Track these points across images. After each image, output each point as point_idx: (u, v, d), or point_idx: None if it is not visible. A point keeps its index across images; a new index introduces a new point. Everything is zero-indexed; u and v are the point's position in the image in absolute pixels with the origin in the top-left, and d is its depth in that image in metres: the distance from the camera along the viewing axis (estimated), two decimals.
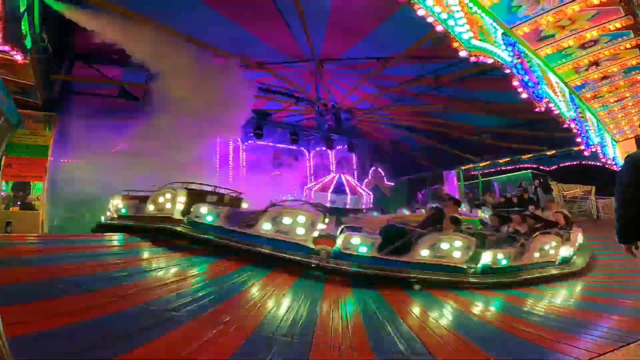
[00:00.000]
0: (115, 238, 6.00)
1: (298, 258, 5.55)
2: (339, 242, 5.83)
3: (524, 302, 5.41)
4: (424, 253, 5.90)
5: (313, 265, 5.51)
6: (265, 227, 5.84)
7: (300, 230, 5.79)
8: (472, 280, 6.04)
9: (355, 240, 5.82)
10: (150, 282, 3.86)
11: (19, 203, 8.93)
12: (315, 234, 5.90)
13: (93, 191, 11.28)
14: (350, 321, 3.58)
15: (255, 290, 4.26)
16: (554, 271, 7.15)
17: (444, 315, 4.41)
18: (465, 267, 6.13)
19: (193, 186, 7.22)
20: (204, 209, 6.18)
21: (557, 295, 6.17)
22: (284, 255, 5.56)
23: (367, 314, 3.96)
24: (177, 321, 2.74)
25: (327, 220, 6.40)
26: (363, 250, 5.75)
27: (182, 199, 6.59)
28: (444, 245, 5.97)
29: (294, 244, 5.72)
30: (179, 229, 6.05)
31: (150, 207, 6.77)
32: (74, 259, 4.27)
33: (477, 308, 4.91)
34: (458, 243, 6.01)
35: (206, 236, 5.87)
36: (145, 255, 5.27)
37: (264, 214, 5.94)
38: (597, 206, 15.12)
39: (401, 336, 3.18)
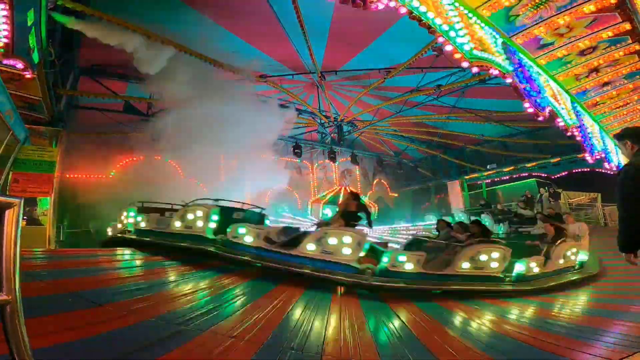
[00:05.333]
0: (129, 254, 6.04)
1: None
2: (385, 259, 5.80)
3: (535, 311, 5.38)
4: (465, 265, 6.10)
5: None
6: (310, 247, 5.77)
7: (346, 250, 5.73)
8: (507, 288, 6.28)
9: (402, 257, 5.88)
10: (162, 296, 3.87)
11: (25, 218, 8.96)
12: (361, 253, 5.83)
13: (100, 206, 11.41)
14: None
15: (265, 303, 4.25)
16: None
17: (456, 326, 4.38)
18: (502, 276, 6.35)
19: (221, 203, 7.06)
20: (242, 230, 6.08)
21: (567, 302, 6.11)
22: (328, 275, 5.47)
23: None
24: (186, 335, 2.73)
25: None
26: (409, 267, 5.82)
27: (215, 217, 6.39)
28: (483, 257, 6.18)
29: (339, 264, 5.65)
30: (211, 249, 5.95)
31: (177, 224, 6.51)
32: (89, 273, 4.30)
33: (492, 318, 4.86)
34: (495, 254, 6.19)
35: (244, 257, 5.77)
36: (157, 269, 5.29)
37: (308, 235, 5.95)
38: (604, 213, 15.02)
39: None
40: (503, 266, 6.42)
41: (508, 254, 6.45)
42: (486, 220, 14.28)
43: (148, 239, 6.55)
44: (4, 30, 4.58)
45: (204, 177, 13.17)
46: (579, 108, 8.38)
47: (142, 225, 6.90)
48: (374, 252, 6.16)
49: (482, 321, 4.65)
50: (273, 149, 15.17)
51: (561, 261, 7.31)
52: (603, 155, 10.20)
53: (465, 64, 6.12)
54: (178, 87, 10.37)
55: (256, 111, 12.90)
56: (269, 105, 13.66)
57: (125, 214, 7.30)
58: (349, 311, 4.31)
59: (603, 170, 14.38)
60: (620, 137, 3.19)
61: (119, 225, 7.46)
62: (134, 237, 6.76)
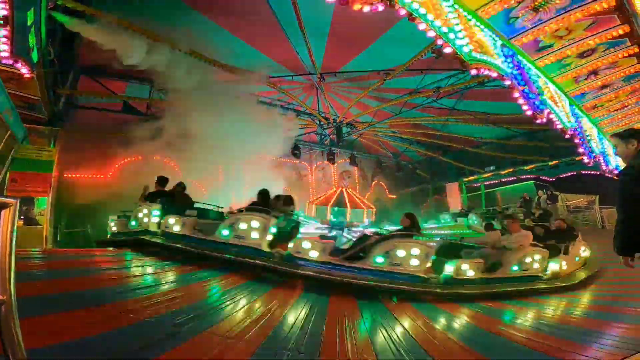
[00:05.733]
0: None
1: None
2: None
3: (531, 313, 5.38)
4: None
5: None
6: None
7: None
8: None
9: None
10: (160, 296, 3.85)
11: (22, 218, 8.92)
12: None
13: (97, 206, 11.40)
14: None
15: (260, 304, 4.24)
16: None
17: (450, 327, 4.38)
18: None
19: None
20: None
21: (565, 305, 6.11)
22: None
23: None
24: (183, 336, 2.72)
25: None
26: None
27: (273, 230, 6.08)
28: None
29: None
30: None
31: (225, 232, 6.10)
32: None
33: (483, 320, 4.87)
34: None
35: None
36: (150, 269, 5.26)
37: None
38: (602, 215, 15.05)
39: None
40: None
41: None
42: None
43: (180, 246, 5.98)
44: (3, 29, 4.58)
45: (203, 178, 13.17)
46: (577, 110, 8.40)
47: (176, 229, 6.38)
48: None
49: (480, 322, 4.65)
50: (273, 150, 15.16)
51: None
52: (601, 158, 10.23)
53: (464, 66, 6.14)
54: (179, 89, 10.35)
55: (258, 119, 12.96)
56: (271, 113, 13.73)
57: (145, 211, 6.86)
58: (347, 313, 4.30)
59: (601, 173, 14.46)
60: (624, 135, 3.14)
61: (133, 223, 6.98)
62: (159, 240, 6.24)
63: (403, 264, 5.72)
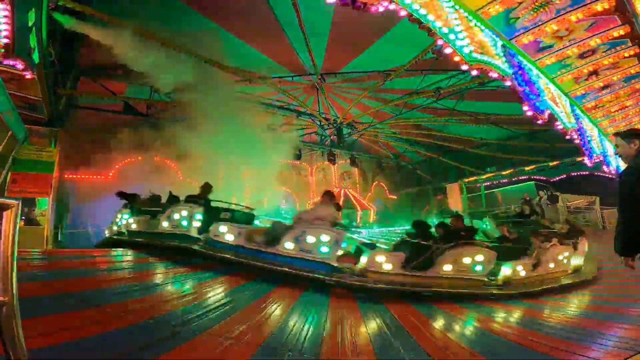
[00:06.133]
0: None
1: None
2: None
3: (533, 314, 5.38)
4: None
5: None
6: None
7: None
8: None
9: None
10: (160, 297, 3.85)
11: (23, 218, 8.93)
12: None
13: (98, 207, 11.40)
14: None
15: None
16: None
17: (452, 328, 4.37)
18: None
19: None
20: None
21: (565, 305, 6.11)
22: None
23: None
24: (185, 336, 2.72)
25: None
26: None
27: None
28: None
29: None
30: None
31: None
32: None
33: (487, 320, 4.86)
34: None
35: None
36: (149, 271, 5.27)
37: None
38: (602, 216, 15.03)
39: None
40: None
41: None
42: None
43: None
44: (4, 30, 4.58)
45: (203, 178, 13.16)
46: (578, 111, 8.40)
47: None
48: None
49: (479, 322, 4.65)
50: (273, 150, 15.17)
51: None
52: (602, 159, 10.21)
53: (464, 67, 6.13)
54: (179, 89, 10.36)
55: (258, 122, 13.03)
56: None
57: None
58: (347, 313, 4.30)
59: (602, 174, 14.44)
60: (626, 135, 3.13)
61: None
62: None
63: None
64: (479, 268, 6.11)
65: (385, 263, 5.81)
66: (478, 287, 6.11)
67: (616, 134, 3.26)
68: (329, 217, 6.14)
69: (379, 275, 5.71)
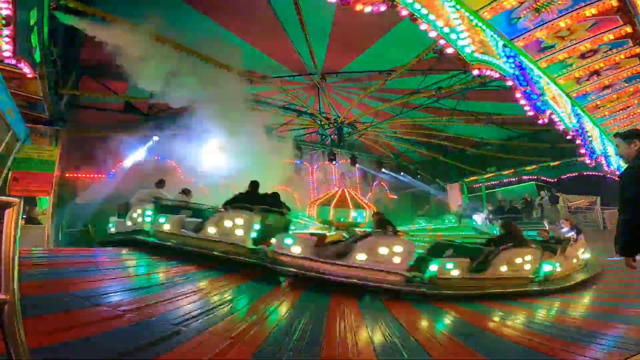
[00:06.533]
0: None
1: None
2: None
3: (531, 313, 5.37)
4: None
5: None
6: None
7: None
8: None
9: None
10: (161, 296, 3.85)
11: (24, 217, 8.94)
12: None
13: (99, 206, 11.42)
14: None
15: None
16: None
17: (453, 328, 4.38)
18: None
19: None
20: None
21: (564, 305, 6.11)
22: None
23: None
24: (184, 336, 2.72)
25: None
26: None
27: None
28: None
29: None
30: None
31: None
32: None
33: (485, 319, 4.87)
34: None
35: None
36: (156, 269, 5.28)
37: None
38: (603, 216, 15.02)
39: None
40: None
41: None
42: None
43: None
44: (6, 29, 4.59)
45: (203, 178, 13.17)
46: (579, 111, 8.39)
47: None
48: None
49: (479, 322, 4.65)
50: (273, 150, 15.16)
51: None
52: (603, 159, 10.21)
53: (465, 67, 6.12)
54: (181, 89, 10.33)
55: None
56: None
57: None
58: (347, 313, 4.30)
59: (602, 174, 14.43)
60: (627, 136, 3.13)
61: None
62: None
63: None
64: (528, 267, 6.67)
65: (453, 270, 6.13)
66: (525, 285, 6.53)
67: (616, 135, 3.26)
68: None
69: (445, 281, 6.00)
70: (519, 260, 6.65)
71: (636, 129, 3.37)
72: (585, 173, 16.12)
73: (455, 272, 6.15)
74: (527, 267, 6.75)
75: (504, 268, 6.46)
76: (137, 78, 9.38)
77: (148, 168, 12.77)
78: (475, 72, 6.41)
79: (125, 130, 12.89)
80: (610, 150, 10.32)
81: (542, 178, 18.23)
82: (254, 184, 7.37)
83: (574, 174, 17.03)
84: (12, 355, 1.20)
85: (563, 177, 17.48)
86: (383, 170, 20.87)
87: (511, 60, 6.55)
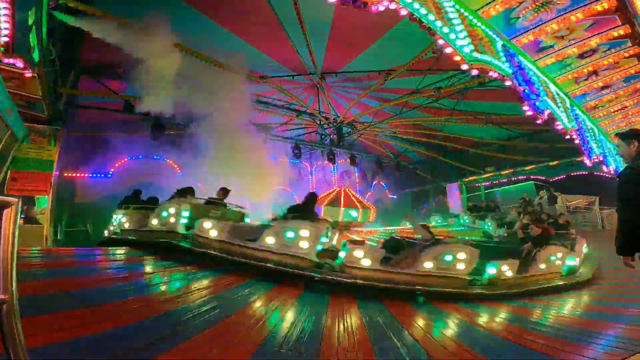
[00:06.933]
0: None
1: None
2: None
3: (530, 313, 5.38)
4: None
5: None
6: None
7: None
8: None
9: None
10: (159, 296, 3.85)
11: (22, 217, 8.93)
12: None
13: (97, 205, 11.41)
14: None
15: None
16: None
17: (449, 327, 4.37)
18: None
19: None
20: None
21: (563, 305, 6.12)
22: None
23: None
24: (184, 335, 2.72)
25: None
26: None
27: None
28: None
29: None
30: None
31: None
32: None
33: (482, 319, 4.87)
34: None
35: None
36: (148, 269, 5.26)
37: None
38: (601, 216, 15.03)
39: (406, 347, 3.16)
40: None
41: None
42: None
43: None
44: (5, 28, 4.58)
45: (202, 178, 13.16)
46: (577, 111, 8.41)
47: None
48: None
49: (478, 322, 4.65)
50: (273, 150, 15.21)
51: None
52: (601, 159, 10.22)
53: (465, 67, 6.13)
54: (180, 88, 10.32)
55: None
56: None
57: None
58: (346, 312, 4.30)
59: (601, 174, 14.44)
60: (626, 136, 3.14)
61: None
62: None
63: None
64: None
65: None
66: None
67: (617, 135, 3.27)
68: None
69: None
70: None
71: (635, 128, 3.38)
72: (583, 173, 16.14)
73: (509, 273, 6.56)
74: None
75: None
76: (137, 78, 9.36)
77: (147, 168, 12.77)
78: (474, 72, 6.42)
79: (124, 130, 12.88)
80: (609, 149, 10.35)
81: (541, 178, 18.25)
82: (313, 196, 7.24)
83: (572, 174, 17.05)
84: (11, 355, 1.20)
85: (562, 177, 17.51)
86: (382, 170, 20.90)
87: (510, 60, 6.57)
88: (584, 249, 9.09)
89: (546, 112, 7.52)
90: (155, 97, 9.97)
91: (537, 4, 5.10)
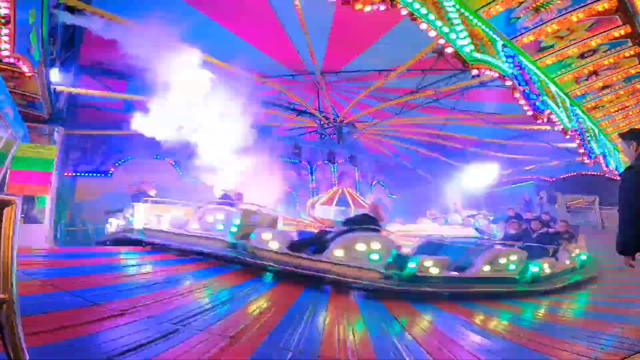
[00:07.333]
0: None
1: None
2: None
3: (530, 313, 5.38)
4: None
5: None
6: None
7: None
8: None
9: None
10: (159, 295, 3.84)
11: (22, 216, 8.92)
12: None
13: (98, 205, 11.39)
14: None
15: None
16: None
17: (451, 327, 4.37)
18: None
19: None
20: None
21: (563, 305, 6.12)
22: None
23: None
24: (184, 334, 2.72)
25: None
26: None
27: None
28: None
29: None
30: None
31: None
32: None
33: (482, 319, 4.87)
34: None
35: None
36: (154, 268, 5.26)
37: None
38: (601, 216, 15.03)
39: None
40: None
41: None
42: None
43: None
44: (5, 28, 4.57)
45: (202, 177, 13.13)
46: (578, 111, 8.41)
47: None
48: None
49: (479, 322, 4.65)
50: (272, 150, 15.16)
51: None
52: (601, 159, 10.22)
53: (465, 66, 6.12)
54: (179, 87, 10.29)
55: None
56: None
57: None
58: (346, 312, 4.30)
59: (601, 174, 14.43)
60: (625, 136, 3.16)
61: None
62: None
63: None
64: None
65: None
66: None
67: (619, 135, 3.28)
68: None
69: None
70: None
71: (633, 129, 3.39)
72: (583, 173, 16.14)
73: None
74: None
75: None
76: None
77: (147, 167, 12.76)
78: (474, 71, 6.42)
79: (124, 129, 12.85)
80: (609, 149, 10.35)
81: (541, 178, 18.24)
82: (376, 207, 6.96)
83: (572, 174, 17.05)
84: (10, 355, 1.20)
85: (562, 177, 17.51)
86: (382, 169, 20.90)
87: (510, 59, 6.56)
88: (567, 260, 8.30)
89: (546, 112, 7.52)
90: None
91: (538, 4, 5.10)
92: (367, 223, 6.16)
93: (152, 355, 2.26)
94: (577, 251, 7.96)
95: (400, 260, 5.84)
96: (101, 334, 2.52)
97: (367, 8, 4.97)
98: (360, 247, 5.67)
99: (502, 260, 6.28)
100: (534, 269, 6.70)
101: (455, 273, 6.04)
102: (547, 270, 7.04)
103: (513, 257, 6.41)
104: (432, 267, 5.78)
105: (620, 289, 6.92)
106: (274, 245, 5.76)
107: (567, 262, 7.65)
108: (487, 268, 6.03)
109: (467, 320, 4.69)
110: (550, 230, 8.93)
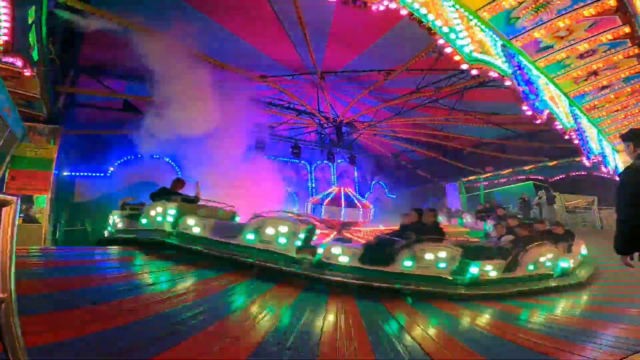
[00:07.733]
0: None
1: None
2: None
3: (527, 313, 5.38)
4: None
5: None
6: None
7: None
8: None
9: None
10: (158, 295, 3.84)
11: (21, 216, 8.91)
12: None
13: (96, 204, 11.40)
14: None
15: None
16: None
17: (444, 325, 4.38)
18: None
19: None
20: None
21: (562, 305, 6.12)
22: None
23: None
24: (182, 335, 2.71)
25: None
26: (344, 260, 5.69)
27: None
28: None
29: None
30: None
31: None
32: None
33: (483, 319, 4.87)
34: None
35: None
36: (147, 269, 5.25)
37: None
38: (600, 216, 15.06)
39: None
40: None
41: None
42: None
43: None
44: (4, 27, 4.57)
45: (202, 177, 13.14)
46: (577, 111, 8.42)
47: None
48: None
49: (479, 323, 4.65)
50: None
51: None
52: (600, 159, 10.24)
53: (464, 66, 6.13)
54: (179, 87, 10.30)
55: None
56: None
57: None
58: (345, 312, 4.30)
59: (600, 174, 14.46)
60: (625, 137, 3.17)
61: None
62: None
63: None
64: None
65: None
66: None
67: (620, 136, 3.29)
68: None
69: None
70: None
71: (632, 129, 3.39)
72: (582, 173, 16.17)
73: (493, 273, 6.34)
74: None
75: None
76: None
77: (146, 166, 12.76)
78: (474, 71, 6.43)
79: (123, 129, 12.86)
80: (608, 150, 10.36)
81: (540, 178, 18.28)
82: (419, 212, 6.85)
83: (571, 174, 17.08)
84: (9, 355, 1.20)
85: (561, 177, 17.53)
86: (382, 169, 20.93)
87: (510, 60, 6.57)
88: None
89: (545, 112, 7.53)
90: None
91: (537, 4, 5.10)
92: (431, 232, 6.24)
93: (151, 355, 2.26)
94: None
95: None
96: (100, 334, 2.51)
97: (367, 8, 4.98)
98: (429, 256, 5.81)
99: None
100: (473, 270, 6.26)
101: None
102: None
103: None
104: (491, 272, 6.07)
105: (619, 289, 6.93)
106: (344, 260, 5.71)
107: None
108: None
109: (467, 318, 4.69)
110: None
